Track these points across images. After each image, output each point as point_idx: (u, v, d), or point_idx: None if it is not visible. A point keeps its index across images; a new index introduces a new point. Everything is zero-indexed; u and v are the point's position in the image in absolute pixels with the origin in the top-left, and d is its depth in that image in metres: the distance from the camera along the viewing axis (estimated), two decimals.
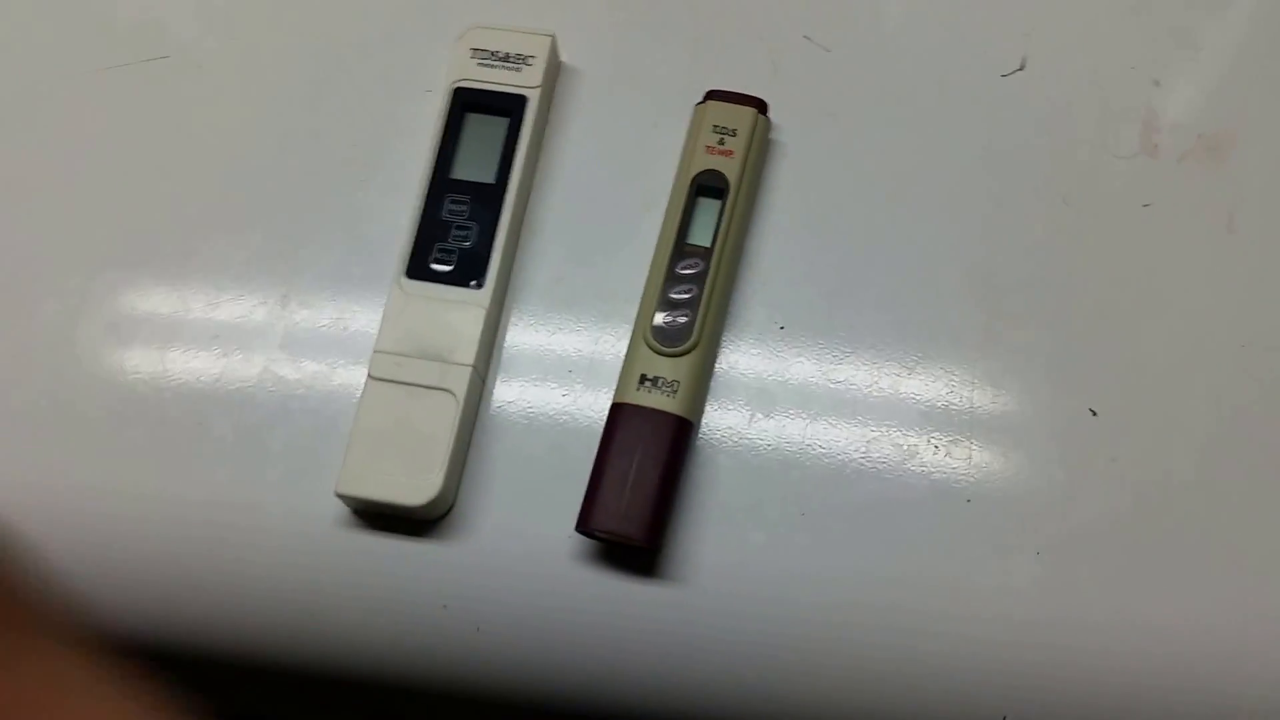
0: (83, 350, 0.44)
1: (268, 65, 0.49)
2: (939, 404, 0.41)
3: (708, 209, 0.42)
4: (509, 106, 0.45)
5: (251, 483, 0.41)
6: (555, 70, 0.48)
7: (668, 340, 0.40)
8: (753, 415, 0.41)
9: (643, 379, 0.39)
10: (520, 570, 0.40)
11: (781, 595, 0.39)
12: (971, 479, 0.40)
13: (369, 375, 0.41)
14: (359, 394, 0.41)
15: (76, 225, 0.46)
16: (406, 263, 0.42)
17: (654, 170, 0.45)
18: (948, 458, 0.40)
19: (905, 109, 0.46)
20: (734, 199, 0.42)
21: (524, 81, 0.46)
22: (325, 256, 0.45)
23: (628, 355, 0.40)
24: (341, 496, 0.39)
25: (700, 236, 0.41)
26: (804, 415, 0.41)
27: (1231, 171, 0.45)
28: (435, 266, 0.42)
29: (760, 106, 0.44)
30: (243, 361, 0.43)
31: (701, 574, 0.39)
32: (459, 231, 0.43)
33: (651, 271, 0.42)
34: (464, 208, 0.43)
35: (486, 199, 0.43)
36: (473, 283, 0.42)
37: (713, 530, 0.40)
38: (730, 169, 0.42)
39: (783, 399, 0.41)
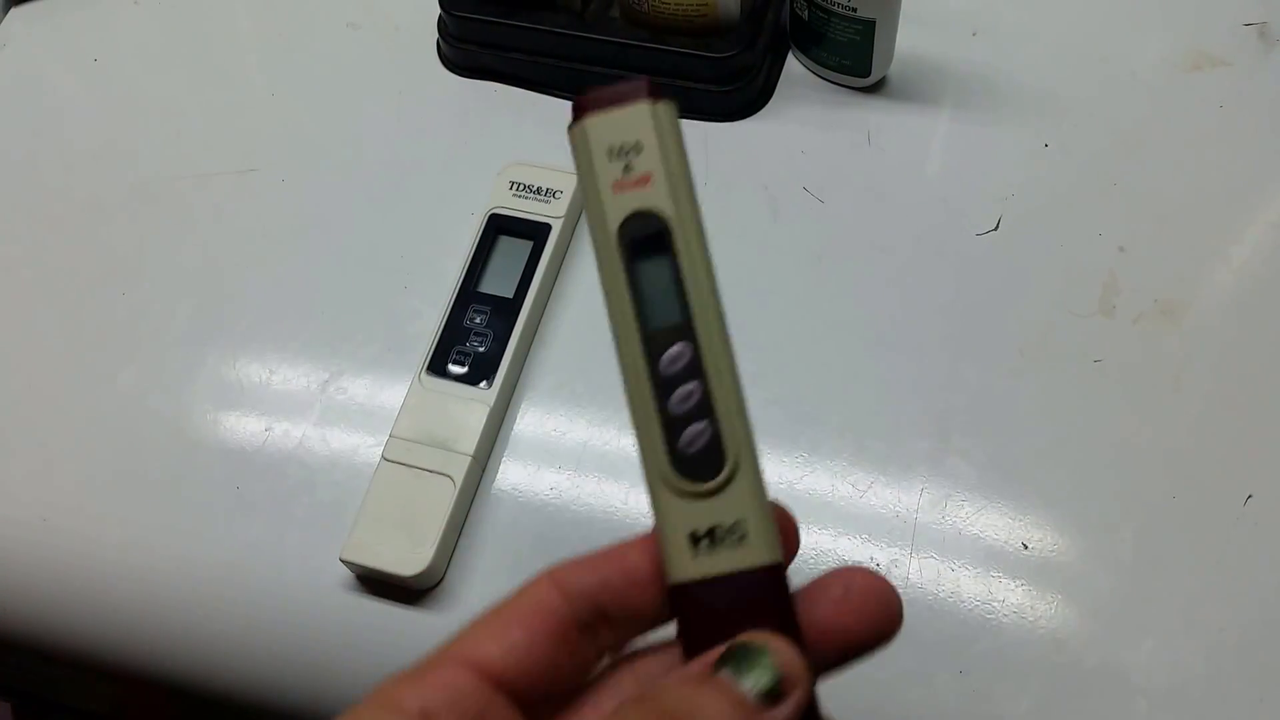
0: (151, 414, 0.51)
1: (338, 182, 0.57)
2: (883, 526, 0.45)
3: (657, 268, 0.27)
4: (535, 232, 0.52)
5: (274, 544, 0.47)
6: (581, 203, 0.54)
7: (697, 470, 0.26)
8: None
9: (695, 538, 0.26)
10: None
11: None
12: (907, 596, 0.43)
13: (382, 457, 0.47)
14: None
15: (160, 303, 0.54)
16: (428, 361, 0.49)
17: None
18: (886, 575, 0.44)
19: (885, 258, 0.52)
20: (685, 235, 0.26)
21: (551, 212, 0.52)
22: (365, 349, 0.52)
23: (656, 512, 0.26)
24: (345, 562, 0.45)
25: (664, 313, 0.27)
26: None
27: (1183, 335, 0.48)
28: (452, 367, 0.48)
29: (653, 93, 0.27)
30: (283, 435, 0.50)
31: None
32: (476, 338, 0.49)
33: (631, 387, 0.27)
34: (484, 317, 0.49)
35: (504, 311, 0.50)
36: (482, 384, 0.48)
37: None
38: (658, 198, 0.26)
39: None
